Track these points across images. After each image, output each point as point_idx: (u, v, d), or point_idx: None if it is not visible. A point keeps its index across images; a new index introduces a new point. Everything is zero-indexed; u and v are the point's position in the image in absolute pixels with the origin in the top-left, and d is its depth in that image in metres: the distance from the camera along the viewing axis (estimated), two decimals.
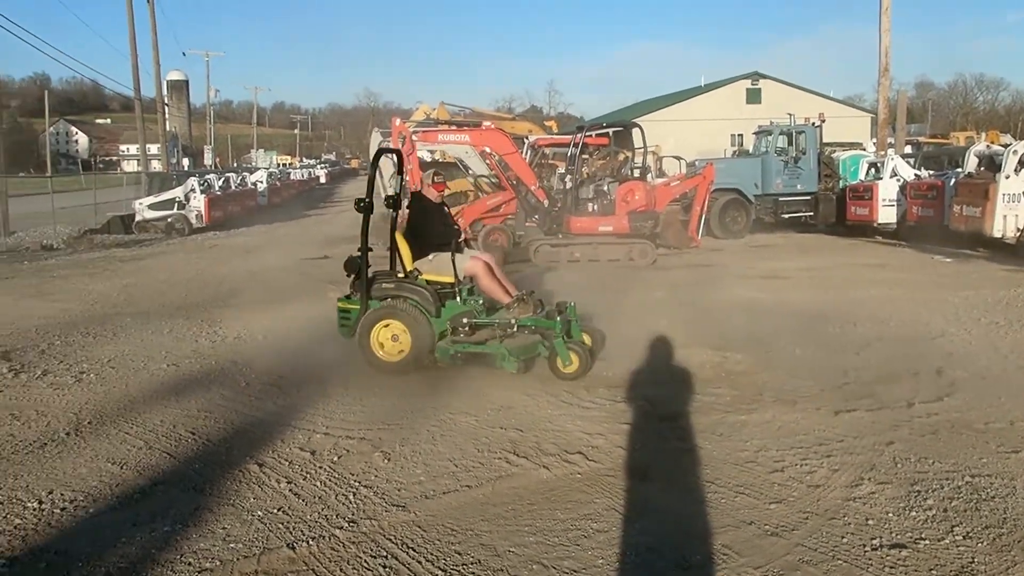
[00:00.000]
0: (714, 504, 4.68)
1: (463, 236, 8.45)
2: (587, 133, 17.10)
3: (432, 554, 4.12)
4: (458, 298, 7.72)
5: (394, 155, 8.98)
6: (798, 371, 7.48)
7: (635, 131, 17.03)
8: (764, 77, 51.46)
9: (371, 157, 24.19)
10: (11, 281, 14.62)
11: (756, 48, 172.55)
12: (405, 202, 8.32)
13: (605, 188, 16.15)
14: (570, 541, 4.25)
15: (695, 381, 7.21)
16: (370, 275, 7.75)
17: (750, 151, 25.39)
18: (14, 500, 4.80)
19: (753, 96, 50.38)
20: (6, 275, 15.55)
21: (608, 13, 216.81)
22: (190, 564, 4.02)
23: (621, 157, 19.86)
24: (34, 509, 4.67)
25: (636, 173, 16.98)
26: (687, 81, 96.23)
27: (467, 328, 7.57)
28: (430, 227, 8.07)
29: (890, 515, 4.47)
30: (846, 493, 4.78)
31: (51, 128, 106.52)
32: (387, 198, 7.76)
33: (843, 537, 4.23)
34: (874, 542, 4.17)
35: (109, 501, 4.81)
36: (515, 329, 7.57)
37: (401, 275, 7.83)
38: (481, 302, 7.77)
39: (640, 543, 4.22)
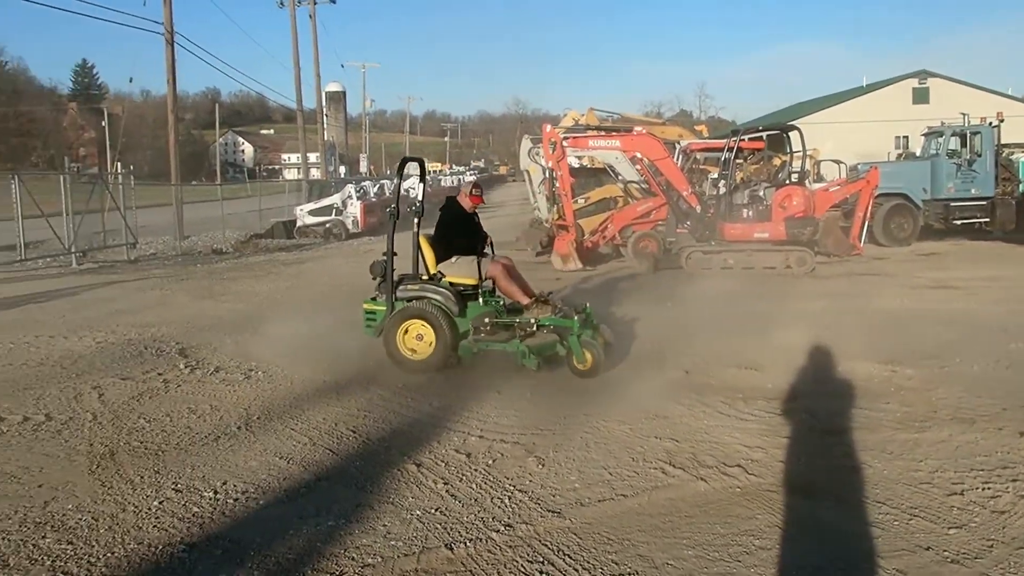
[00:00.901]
0: (885, 526, 4.42)
1: (489, 242, 8.62)
2: (742, 137, 16.65)
3: (588, 562, 4.07)
4: (480, 299, 8.04)
5: (418, 163, 9.27)
6: (976, 388, 6.99)
7: (792, 134, 16.44)
8: (932, 75, 48.68)
9: (520, 164, 24.47)
10: (186, 282, 15.60)
11: (923, 45, 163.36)
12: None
13: (761, 193, 15.68)
14: (731, 557, 4.11)
15: (861, 395, 6.87)
16: (396, 278, 8.19)
17: (917, 154, 24.03)
18: (192, 489, 5.08)
19: (920, 96, 47.73)
20: (181, 277, 16.61)
21: (761, 13, 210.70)
22: (353, 559, 4.13)
23: (777, 161, 19.25)
24: (210, 498, 4.93)
25: (793, 178, 16.38)
26: (847, 81, 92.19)
27: (488, 327, 7.84)
28: (455, 233, 8.37)
29: None
30: None
31: (220, 139, 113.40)
32: (391, 208, 8.11)
33: None
34: None
35: (277, 494, 5.02)
36: (535, 328, 7.81)
37: (425, 277, 8.28)
38: (502, 303, 8.13)
39: (806, 563, 4.03)
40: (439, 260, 8.29)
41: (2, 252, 18.23)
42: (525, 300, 8.02)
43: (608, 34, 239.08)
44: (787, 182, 16.10)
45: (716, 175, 17.44)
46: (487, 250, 8.58)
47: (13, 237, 17.95)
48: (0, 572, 4.00)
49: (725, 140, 17.50)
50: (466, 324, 7.99)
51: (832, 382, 7.40)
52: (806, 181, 16.61)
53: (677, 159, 18.94)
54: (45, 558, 4.16)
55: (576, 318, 7.61)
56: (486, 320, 7.88)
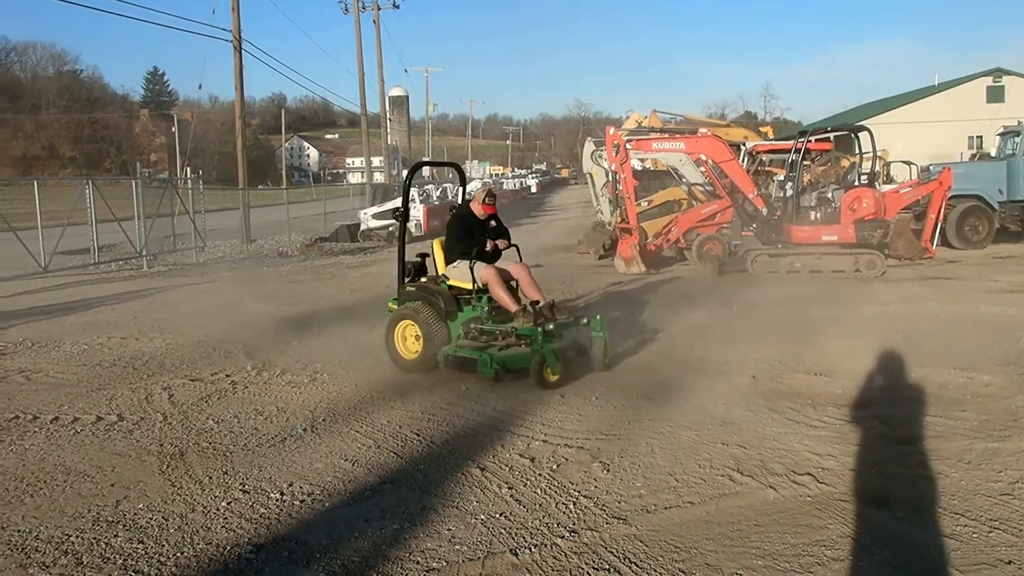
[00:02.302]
0: (964, 538, 4.26)
1: (495, 248, 8.41)
2: (809, 138, 16.32)
3: (655, 570, 4.00)
4: (472, 304, 8.13)
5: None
6: None
7: (862, 135, 16.06)
8: (1007, 73, 47.13)
9: (583, 167, 24.38)
10: (252, 285, 15.88)
11: (998, 42, 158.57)
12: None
13: (829, 195, 15.33)
14: (802, 568, 3.99)
15: (936, 402, 6.65)
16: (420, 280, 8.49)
17: (992, 154, 23.29)
18: (259, 491, 5.13)
19: (995, 94, 46.23)
20: (248, 279, 16.92)
21: (828, 12, 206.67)
22: (418, 563, 4.12)
23: (846, 163, 18.84)
24: (276, 500, 4.97)
25: (863, 179, 16.00)
26: (918, 80, 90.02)
27: (474, 333, 7.85)
28: (456, 237, 8.38)
29: None
30: None
31: (286, 144, 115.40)
32: (395, 210, 8.23)
33: None
34: None
35: (343, 496, 5.04)
36: (512, 337, 7.73)
37: (428, 280, 8.51)
38: (487, 308, 8.03)
39: (880, 575, 3.90)
40: (447, 263, 8.45)
41: (77, 255, 18.76)
42: (513, 308, 7.90)
43: (671, 35, 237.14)
44: (856, 184, 15.71)
45: (782, 177, 17.12)
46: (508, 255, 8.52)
47: (87, 241, 18.46)
48: (75, 569, 4.08)
49: (792, 141, 17.17)
50: (458, 328, 8.07)
51: (905, 389, 7.19)
52: (876, 183, 16.21)
53: (742, 161, 18.66)
54: (117, 556, 4.23)
55: (540, 330, 7.43)
56: (472, 325, 7.94)
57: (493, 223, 8.50)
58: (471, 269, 8.14)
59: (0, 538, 4.45)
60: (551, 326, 7.66)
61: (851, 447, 5.68)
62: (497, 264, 8.30)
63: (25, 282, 15.77)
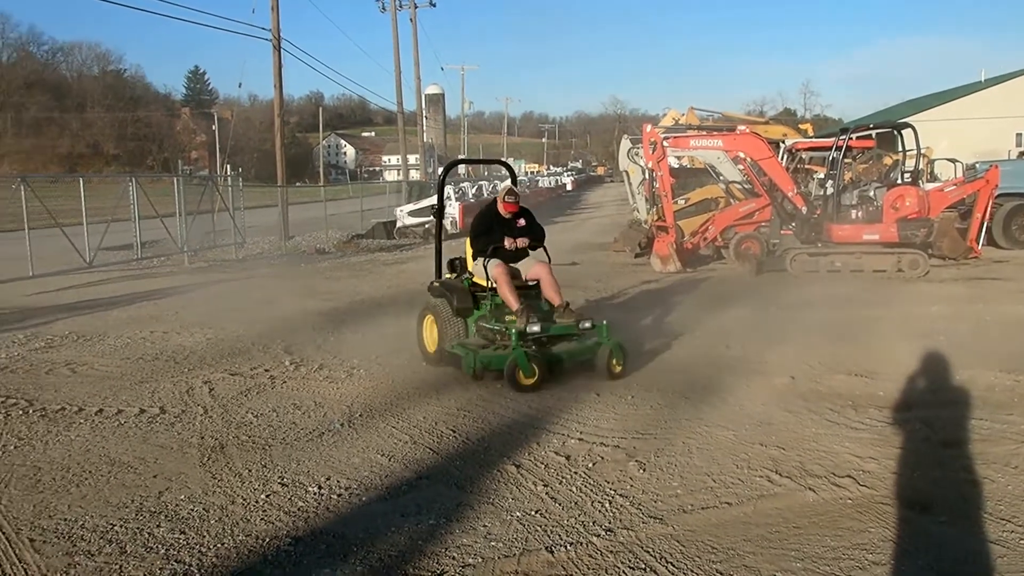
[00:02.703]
0: (1010, 545, 4.18)
1: (514, 246, 8.27)
2: (851, 135, 16.09)
3: (692, 571, 3.97)
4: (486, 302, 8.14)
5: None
6: None
7: (905, 132, 15.81)
8: None
9: (619, 165, 24.28)
10: (291, 281, 16.03)
11: None
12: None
13: (871, 194, 15.13)
14: (842, 571, 3.95)
15: (981, 405, 6.53)
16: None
17: None
18: (297, 484, 5.18)
19: None
20: (286, 276, 17.08)
21: (869, 7, 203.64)
22: (454, 558, 4.13)
23: (888, 160, 18.56)
24: (314, 493, 5.02)
25: (906, 177, 15.75)
26: (963, 76, 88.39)
27: (484, 331, 7.95)
28: (475, 233, 8.41)
29: None
30: None
31: (323, 141, 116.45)
32: (432, 207, 8.21)
33: None
34: None
35: (379, 491, 5.08)
36: (504, 338, 7.68)
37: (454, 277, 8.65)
38: (490, 306, 8.02)
39: None
40: (472, 260, 8.50)
41: (120, 251, 19.07)
42: (515, 307, 7.84)
43: (708, 31, 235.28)
44: (899, 182, 15.48)
45: (823, 175, 16.91)
46: (538, 255, 8.43)
47: (131, 237, 18.76)
48: (119, 559, 4.16)
49: (833, 139, 16.96)
50: (473, 325, 8.15)
51: (949, 391, 7.08)
52: (919, 181, 15.95)
53: (781, 159, 18.47)
54: (159, 546, 4.30)
55: (515, 331, 7.40)
56: (479, 323, 8.01)
57: (522, 221, 8.42)
58: (484, 266, 8.19)
59: (47, 526, 4.55)
60: (535, 328, 7.58)
61: (893, 450, 5.61)
62: (526, 262, 8.29)
63: (71, 277, 16.07)
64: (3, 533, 4.46)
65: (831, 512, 4.63)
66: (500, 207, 8.36)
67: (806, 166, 20.96)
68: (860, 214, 15.03)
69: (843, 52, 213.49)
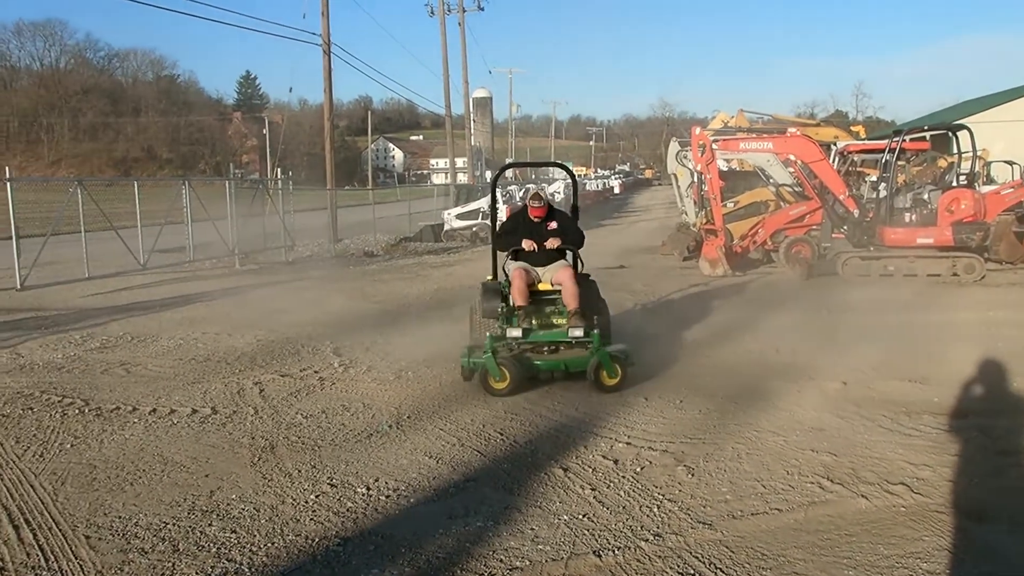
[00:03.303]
0: None
1: (532, 248, 8.17)
2: (904, 137, 15.79)
3: None
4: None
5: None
6: None
7: (960, 134, 15.47)
8: None
9: (667, 167, 24.13)
10: (339, 284, 16.19)
11: None
12: None
13: (925, 196, 14.84)
14: None
15: None
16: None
17: None
18: (346, 485, 5.23)
19: None
20: (336, 278, 17.24)
21: (925, 5, 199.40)
22: (501, 561, 4.14)
23: (943, 163, 18.20)
24: (363, 495, 5.06)
25: (962, 180, 15.41)
26: (1020, 77, 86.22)
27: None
28: (498, 233, 8.55)
29: None
30: None
31: (372, 145, 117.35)
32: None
33: None
34: None
35: (427, 493, 5.10)
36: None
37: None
38: (501, 308, 7.90)
39: None
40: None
41: (174, 253, 19.41)
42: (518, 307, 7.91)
43: (758, 32, 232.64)
44: (954, 184, 15.15)
45: (875, 178, 16.62)
46: (565, 258, 8.34)
47: (183, 239, 19.09)
48: (171, 556, 4.23)
49: (886, 141, 16.65)
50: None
51: (1007, 399, 6.92)
52: (975, 183, 15.60)
53: (833, 161, 18.19)
54: (211, 544, 4.37)
55: (489, 334, 7.49)
56: (496, 325, 7.96)
57: (553, 224, 8.30)
58: (503, 267, 8.27)
59: (102, 524, 4.65)
60: (514, 333, 7.59)
61: (948, 457, 5.49)
62: (554, 267, 8.20)
63: (125, 279, 16.39)
64: (60, 530, 4.56)
65: (884, 520, 4.54)
66: (530, 211, 8.36)
67: (858, 169, 20.60)
68: (914, 217, 14.74)
69: (897, 53, 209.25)
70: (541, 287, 8.15)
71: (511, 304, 7.94)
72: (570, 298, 7.86)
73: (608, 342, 7.87)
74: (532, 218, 8.26)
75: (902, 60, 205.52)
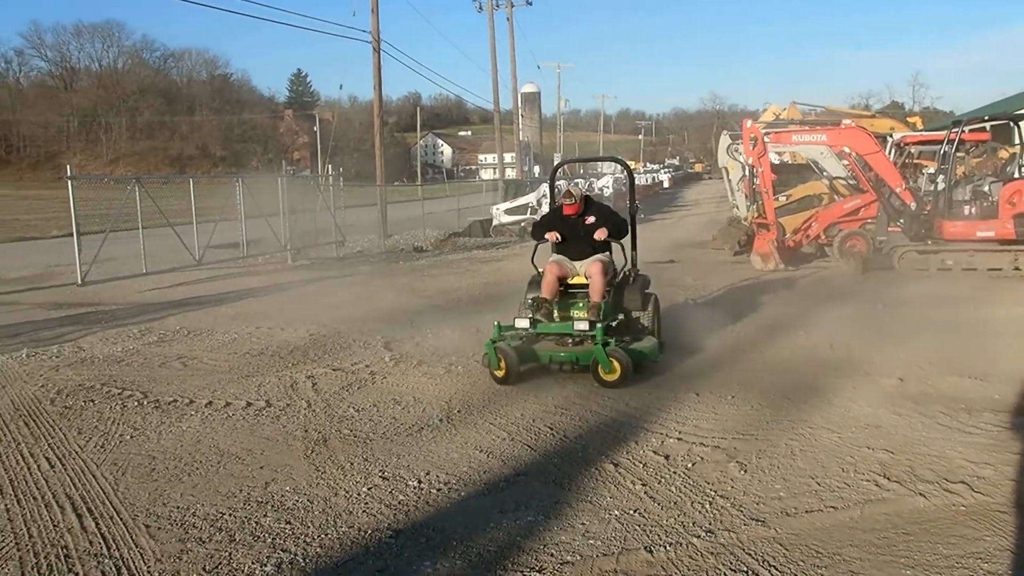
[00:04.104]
0: None
1: (556, 239, 8.29)
2: (964, 128, 15.42)
3: (796, 575, 3.88)
4: None
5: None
6: None
7: (1023, 124, 15.06)
8: None
9: (718, 161, 23.88)
10: (389, 279, 16.33)
11: None
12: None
13: (986, 188, 14.46)
14: None
15: None
16: None
17: None
18: (397, 478, 5.27)
19: None
20: (386, 273, 17.40)
21: None
22: (552, 555, 4.13)
23: (1004, 154, 17.72)
24: (414, 488, 5.10)
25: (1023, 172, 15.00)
26: None
27: None
28: (535, 225, 8.78)
29: None
30: None
31: (421, 141, 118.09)
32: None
33: None
34: None
35: (477, 486, 5.12)
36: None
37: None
38: (530, 300, 8.05)
39: None
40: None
41: (227, 249, 19.72)
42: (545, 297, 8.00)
43: (811, 22, 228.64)
44: (1016, 176, 14.76)
45: (933, 170, 16.25)
46: (602, 254, 8.27)
47: (237, 235, 19.40)
48: (228, 546, 4.30)
49: (944, 132, 16.28)
50: None
51: None
52: None
53: (889, 153, 17.84)
54: (266, 535, 4.43)
55: (497, 324, 7.72)
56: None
57: (591, 219, 8.27)
58: (531, 260, 8.45)
59: (161, 513, 4.75)
60: (522, 323, 7.74)
61: (1010, 456, 5.35)
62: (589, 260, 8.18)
63: (181, 274, 16.73)
64: (121, 519, 4.67)
65: (943, 519, 4.45)
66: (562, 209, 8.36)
67: (915, 161, 20.19)
68: (974, 210, 14.38)
69: (956, 41, 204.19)
70: (576, 280, 8.21)
71: (530, 296, 8.08)
72: (594, 290, 7.91)
73: (658, 336, 7.95)
74: (569, 214, 8.28)
75: (961, 48, 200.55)
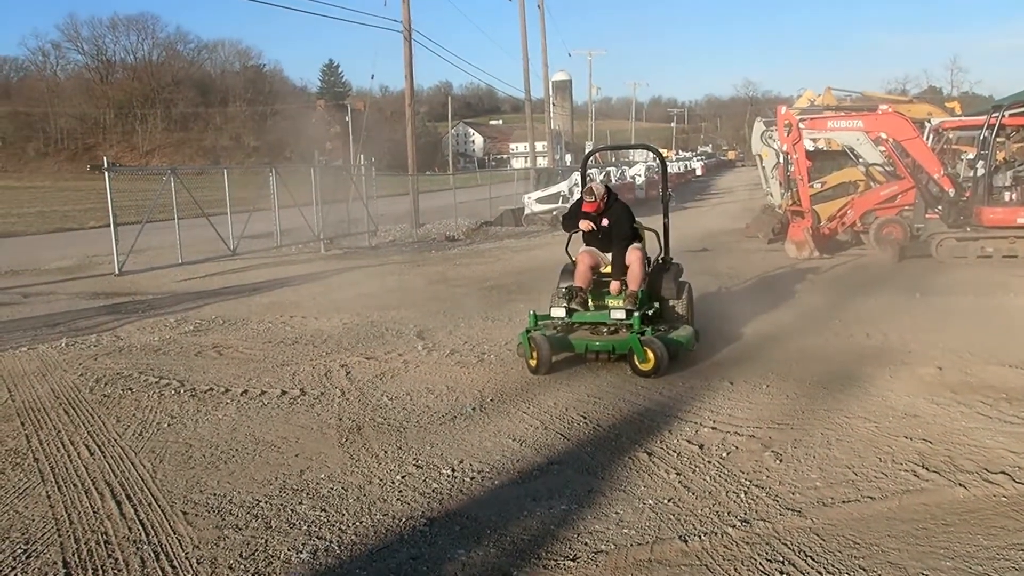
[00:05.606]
0: None
1: (589, 228, 8.23)
2: (1005, 112, 15.12)
3: (833, 566, 3.83)
4: None
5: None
6: None
7: None
8: None
9: (752, 148, 23.64)
10: (422, 268, 16.38)
11: None
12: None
13: None
14: (996, 572, 3.73)
15: None
16: None
17: None
18: (431, 466, 5.29)
19: None
20: (418, 262, 17.45)
21: None
22: (586, 544, 4.13)
23: None
24: (448, 476, 5.11)
25: None
26: None
27: None
28: (564, 215, 8.71)
29: None
30: None
31: (452, 130, 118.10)
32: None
33: None
34: None
35: (511, 475, 5.12)
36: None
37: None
38: (564, 288, 8.05)
39: None
40: None
41: (261, 239, 19.90)
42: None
43: (846, 6, 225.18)
44: None
45: (972, 156, 15.96)
46: (638, 241, 8.25)
47: (271, 225, 19.56)
48: (264, 533, 4.35)
49: (984, 117, 15.98)
50: None
51: None
52: None
53: (927, 139, 17.54)
54: (302, 523, 4.47)
55: (532, 313, 7.72)
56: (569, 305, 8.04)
57: (605, 221, 8.20)
58: (566, 249, 8.49)
59: (199, 500, 4.80)
60: (558, 312, 7.73)
61: None
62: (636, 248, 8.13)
63: (216, 264, 16.91)
64: (159, 506, 4.73)
65: (983, 510, 4.38)
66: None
67: (953, 146, 19.83)
68: (1014, 196, 14.12)
69: (995, 23, 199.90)
70: (606, 270, 8.24)
71: (560, 287, 8.10)
72: (631, 280, 7.91)
73: (692, 324, 7.92)
74: (591, 210, 8.20)
75: (1001, 31, 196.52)
